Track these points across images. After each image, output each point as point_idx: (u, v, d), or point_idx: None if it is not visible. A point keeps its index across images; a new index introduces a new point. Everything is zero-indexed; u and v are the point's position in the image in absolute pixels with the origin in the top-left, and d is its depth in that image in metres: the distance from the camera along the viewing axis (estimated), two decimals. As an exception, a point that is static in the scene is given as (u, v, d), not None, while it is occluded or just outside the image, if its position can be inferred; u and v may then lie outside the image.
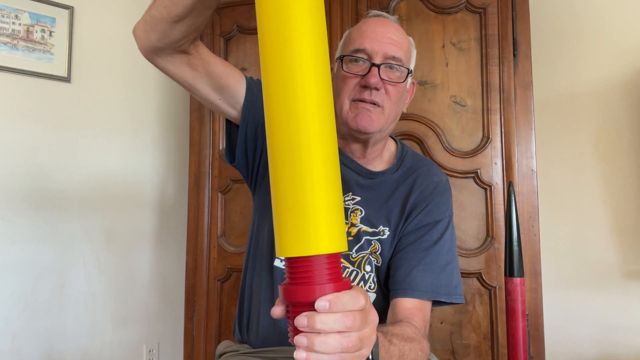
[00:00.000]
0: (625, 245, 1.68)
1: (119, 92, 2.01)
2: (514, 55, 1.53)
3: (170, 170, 2.16)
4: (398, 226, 0.92)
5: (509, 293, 1.36)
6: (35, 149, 1.78)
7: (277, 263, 0.92)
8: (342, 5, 1.68)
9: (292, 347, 0.48)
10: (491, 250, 1.50)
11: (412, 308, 0.84)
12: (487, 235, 1.52)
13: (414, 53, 0.98)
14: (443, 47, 1.59)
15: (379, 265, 0.93)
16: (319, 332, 0.46)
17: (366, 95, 0.88)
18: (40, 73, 1.79)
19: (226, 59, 1.85)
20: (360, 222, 0.93)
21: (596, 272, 1.71)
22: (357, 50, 0.90)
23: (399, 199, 0.93)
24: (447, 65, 1.59)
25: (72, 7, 1.87)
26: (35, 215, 1.77)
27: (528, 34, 1.52)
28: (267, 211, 0.95)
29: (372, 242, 0.93)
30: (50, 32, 1.82)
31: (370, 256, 0.93)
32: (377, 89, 0.88)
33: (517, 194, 1.49)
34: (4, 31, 1.72)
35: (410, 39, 0.99)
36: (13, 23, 1.74)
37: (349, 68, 0.91)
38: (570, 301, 1.74)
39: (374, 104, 0.88)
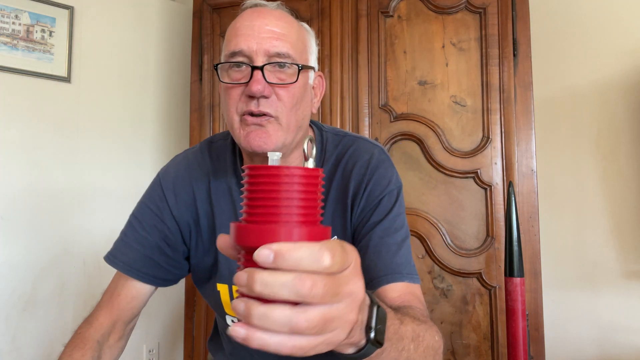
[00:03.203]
0: (625, 245, 1.68)
1: (119, 92, 2.01)
2: (514, 55, 1.53)
3: (170, 170, 2.16)
4: (346, 225, 0.81)
5: (509, 293, 1.37)
6: (35, 149, 1.78)
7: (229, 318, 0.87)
8: (342, 5, 1.68)
9: None
10: (491, 250, 1.50)
11: (398, 296, 0.73)
12: (487, 235, 1.51)
13: (311, 41, 0.83)
14: (443, 47, 1.59)
15: None
16: (263, 298, 0.33)
17: (252, 106, 0.72)
18: (40, 73, 1.79)
19: (226, 59, 1.85)
20: None
21: (596, 272, 1.71)
22: (234, 54, 0.74)
23: (336, 196, 0.81)
24: (447, 65, 1.59)
25: (72, 7, 1.87)
26: (36, 215, 1.77)
27: (528, 34, 1.52)
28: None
29: None
30: (50, 32, 1.82)
31: None
32: (265, 97, 0.72)
33: (517, 194, 1.49)
34: (4, 31, 1.72)
35: (304, 25, 0.83)
36: (13, 23, 1.74)
37: (230, 77, 0.75)
38: (570, 301, 1.74)
39: (265, 115, 0.73)
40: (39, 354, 1.75)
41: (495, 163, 1.52)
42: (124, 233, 0.89)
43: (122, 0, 2.03)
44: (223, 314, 0.88)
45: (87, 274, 1.89)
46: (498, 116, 1.53)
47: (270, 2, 0.80)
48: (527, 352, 1.33)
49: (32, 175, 1.77)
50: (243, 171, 0.38)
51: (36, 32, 1.79)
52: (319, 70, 0.84)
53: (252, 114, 0.73)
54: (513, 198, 1.40)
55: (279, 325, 0.33)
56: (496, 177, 1.52)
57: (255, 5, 0.79)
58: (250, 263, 0.35)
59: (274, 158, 0.39)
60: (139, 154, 2.07)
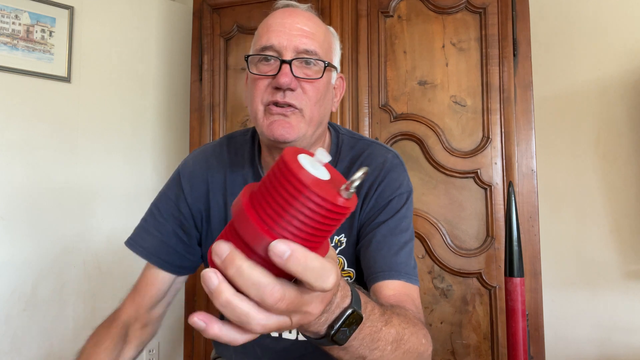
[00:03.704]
0: (625, 245, 1.68)
1: (119, 92, 2.01)
2: (514, 55, 1.53)
3: (170, 170, 2.16)
4: (353, 224, 0.84)
5: (509, 293, 1.37)
6: (35, 149, 1.78)
7: None
8: (342, 5, 1.68)
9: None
10: (491, 250, 1.50)
11: (393, 295, 0.74)
12: (487, 235, 1.51)
13: (336, 44, 0.87)
14: (443, 47, 1.59)
15: (354, 279, 0.85)
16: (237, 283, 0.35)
17: (279, 97, 0.77)
18: (40, 73, 1.79)
19: (226, 58, 1.85)
20: None
21: (596, 272, 1.71)
22: (265, 48, 0.78)
23: None
24: (447, 65, 1.59)
25: (72, 7, 1.87)
26: (35, 215, 1.77)
27: (528, 34, 1.52)
28: None
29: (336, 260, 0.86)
30: (50, 32, 1.82)
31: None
32: (291, 90, 0.77)
33: (517, 194, 1.49)
34: (4, 31, 1.72)
35: (331, 28, 0.88)
36: (13, 23, 1.74)
37: (258, 69, 0.79)
38: (570, 301, 1.74)
39: (290, 106, 0.77)
40: (39, 354, 1.75)
41: (495, 163, 1.52)
42: (144, 220, 0.94)
43: (122, 0, 2.03)
44: None
45: (87, 274, 1.89)
46: (498, 116, 1.53)
47: (301, 4, 0.86)
48: (527, 352, 1.33)
49: (32, 175, 1.77)
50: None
51: (36, 32, 1.79)
52: (340, 72, 0.88)
53: (277, 104, 0.77)
54: (513, 198, 1.40)
55: (236, 317, 0.35)
56: (496, 177, 1.52)
57: (287, 5, 0.84)
58: (241, 246, 0.36)
59: (321, 158, 0.37)
60: (139, 154, 2.07)
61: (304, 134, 0.78)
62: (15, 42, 1.74)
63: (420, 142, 1.58)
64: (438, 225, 1.55)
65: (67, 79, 1.85)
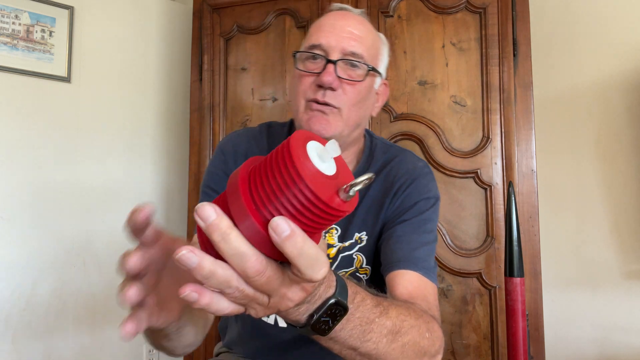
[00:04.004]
0: (625, 245, 1.68)
1: (119, 92, 2.01)
2: (514, 55, 1.53)
3: (170, 170, 2.16)
4: (377, 223, 0.85)
5: (509, 293, 1.36)
6: (35, 148, 1.78)
7: None
8: (342, 5, 1.68)
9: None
10: (491, 250, 1.50)
11: (410, 290, 0.72)
12: (487, 235, 1.51)
13: (384, 50, 0.89)
14: (443, 47, 1.59)
15: (368, 277, 0.86)
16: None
17: (319, 95, 0.79)
18: (40, 73, 1.79)
19: (226, 59, 1.85)
20: (338, 241, 0.85)
21: (596, 272, 1.71)
22: (313, 46, 0.81)
23: (373, 196, 0.85)
24: (447, 65, 1.59)
25: (72, 7, 1.87)
26: (35, 215, 1.77)
27: (528, 34, 1.52)
28: None
29: (354, 256, 0.85)
30: (50, 32, 1.82)
31: (356, 273, 0.85)
32: (332, 89, 0.79)
33: (517, 194, 1.48)
34: (4, 31, 1.72)
35: (381, 35, 0.90)
36: (13, 23, 1.74)
37: (305, 66, 0.82)
38: (570, 301, 1.74)
39: (329, 105, 0.79)
40: (39, 354, 1.75)
41: (495, 163, 1.52)
42: (200, 202, 0.92)
43: (122, 0, 2.03)
44: None
45: (87, 274, 1.89)
46: (498, 116, 1.53)
47: (355, 9, 0.88)
48: (527, 352, 1.33)
49: (32, 175, 1.77)
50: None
51: (36, 32, 1.78)
52: (385, 78, 0.90)
53: (317, 102, 0.79)
54: (513, 198, 1.40)
55: (216, 282, 0.35)
56: (496, 177, 1.52)
57: (342, 8, 0.87)
58: (231, 212, 0.35)
59: (331, 151, 0.36)
60: (139, 154, 2.07)
61: (341, 132, 0.80)
62: (15, 42, 1.74)
63: (420, 142, 1.58)
64: (438, 225, 1.55)
65: (67, 79, 1.85)
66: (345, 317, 0.47)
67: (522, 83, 1.52)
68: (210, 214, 0.34)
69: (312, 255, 0.34)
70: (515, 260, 1.37)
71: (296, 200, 0.33)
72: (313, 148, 0.35)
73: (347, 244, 0.85)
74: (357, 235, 0.85)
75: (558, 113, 1.80)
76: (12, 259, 1.71)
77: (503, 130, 1.52)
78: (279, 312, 0.42)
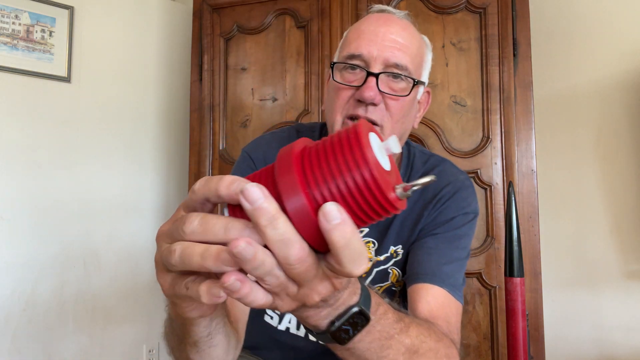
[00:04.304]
0: (625, 245, 1.68)
1: (119, 92, 2.01)
2: (514, 55, 1.53)
3: (170, 170, 2.16)
4: (412, 236, 0.79)
5: (509, 293, 1.36)
6: (35, 148, 1.78)
7: None
8: (342, 5, 1.68)
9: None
10: (491, 250, 1.50)
11: (429, 306, 0.68)
12: (487, 235, 1.51)
13: (429, 57, 0.83)
14: (443, 47, 1.59)
15: (399, 289, 0.81)
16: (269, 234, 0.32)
17: (360, 111, 0.72)
18: (40, 73, 1.79)
19: (226, 59, 1.85)
20: (375, 254, 0.81)
21: (596, 272, 1.71)
22: (352, 56, 0.74)
23: (410, 208, 0.80)
24: (447, 65, 1.59)
25: (72, 7, 1.87)
26: (35, 215, 1.77)
27: (528, 34, 1.52)
28: None
29: (389, 270, 0.80)
30: (50, 32, 1.82)
31: (392, 288, 0.81)
32: (374, 104, 0.72)
33: (517, 194, 1.48)
34: (4, 31, 1.72)
35: (425, 38, 0.83)
36: (13, 23, 1.74)
37: (343, 77, 0.75)
38: (570, 301, 1.74)
39: (371, 122, 0.72)
40: (39, 354, 1.75)
41: (495, 163, 1.52)
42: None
43: (122, 0, 2.03)
44: None
45: (87, 274, 1.89)
46: (498, 116, 1.53)
47: (398, 11, 0.79)
48: (527, 352, 1.33)
49: (31, 175, 1.77)
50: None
51: (36, 32, 1.78)
52: (427, 85, 0.84)
53: (357, 119, 0.71)
54: (513, 198, 1.40)
55: (262, 271, 0.32)
56: (496, 177, 1.52)
57: (382, 10, 0.78)
58: (279, 188, 0.32)
59: (391, 147, 0.34)
60: (139, 154, 2.07)
61: None
62: (15, 42, 1.74)
63: (420, 142, 1.58)
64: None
65: (67, 79, 1.85)
66: (365, 329, 0.45)
67: (522, 83, 1.52)
68: (258, 196, 0.31)
69: (358, 248, 0.32)
70: (515, 260, 1.36)
71: (354, 185, 0.32)
72: (374, 139, 0.34)
73: (382, 257, 0.81)
74: (392, 248, 0.80)
75: (558, 113, 1.80)
76: (12, 259, 1.71)
77: (503, 130, 1.52)
78: (300, 313, 0.41)
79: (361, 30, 0.75)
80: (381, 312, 0.48)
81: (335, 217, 0.31)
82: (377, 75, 0.72)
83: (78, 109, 1.89)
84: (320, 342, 0.45)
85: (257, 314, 0.86)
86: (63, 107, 1.85)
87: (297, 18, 1.75)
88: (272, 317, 0.86)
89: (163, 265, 0.37)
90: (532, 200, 1.49)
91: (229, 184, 0.33)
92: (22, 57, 1.75)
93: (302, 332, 0.83)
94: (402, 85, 0.74)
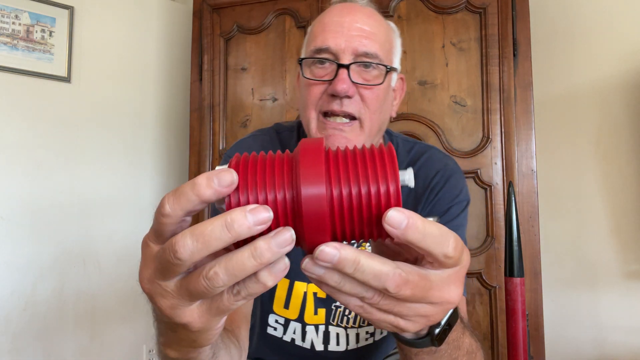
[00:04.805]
0: (625, 245, 1.68)
1: (119, 92, 2.01)
2: (514, 55, 1.53)
3: (170, 169, 2.16)
4: None
5: (509, 293, 1.36)
6: (35, 149, 1.78)
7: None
8: (342, 5, 1.68)
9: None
10: (491, 250, 1.50)
11: None
12: (487, 235, 1.51)
13: (398, 42, 0.79)
14: (443, 47, 1.59)
15: None
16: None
17: (335, 105, 0.69)
18: (40, 73, 1.79)
19: (226, 59, 1.85)
20: None
21: (596, 272, 1.71)
22: (320, 50, 0.71)
23: (404, 200, 0.75)
24: (447, 65, 1.59)
25: (72, 7, 1.87)
26: (35, 215, 1.77)
27: (528, 34, 1.52)
28: None
29: None
30: (50, 32, 1.82)
31: None
32: (348, 97, 0.69)
33: (517, 194, 1.49)
34: (4, 31, 1.72)
35: (392, 24, 0.79)
36: (13, 23, 1.74)
37: (312, 73, 0.72)
38: (570, 301, 1.74)
39: (349, 117, 0.71)
40: (39, 354, 1.75)
41: (495, 163, 1.52)
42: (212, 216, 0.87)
43: (122, 0, 2.03)
44: (268, 311, 0.82)
45: (87, 274, 1.89)
46: (498, 116, 1.53)
47: None
48: (527, 352, 1.33)
49: (32, 175, 1.77)
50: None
51: (36, 32, 1.78)
52: (400, 72, 0.81)
53: (333, 114, 0.70)
54: (513, 198, 1.40)
55: (367, 278, 0.31)
56: (496, 177, 1.52)
57: (345, 0, 0.75)
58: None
59: (409, 176, 0.34)
60: (139, 154, 2.07)
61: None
62: (15, 42, 1.74)
63: (420, 142, 1.59)
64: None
65: (67, 79, 1.85)
66: (455, 326, 0.44)
67: (522, 83, 1.52)
68: (333, 253, 0.30)
69: (435, 232, 0.31)
70: (515, 260, 1.36)
71: (376, 194, 0.31)
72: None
73: None
74: None
75: (558, 113, 1.80)
76: (12, 259, 1.71)
77: (503, 130, 1.52)
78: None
79: (325, 23, 0.73)
80: (457, 307, 0.46)
81: (401, 221, 0.30)
82: (347, 67, 0.70)
83: (78, 109, 1.89)
84: (412, 347, 0.44)
85: (260, 327, 0.85)
86: (63, 107, 1.85)
87: (297, 18, 1.75)
88: (275, 329, 0.84)
89: (187, 300, 0.33)
90: (532, 200, 1.49)
91: (208, 183, 0.30)
92: (22, 57, 1.75)
93: (307, 344, 0.82)
94: (374, 73, 0.72)
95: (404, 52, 1.62)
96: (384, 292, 0.32)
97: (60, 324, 1.80)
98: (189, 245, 0.30)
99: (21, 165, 1.75)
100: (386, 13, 1.64)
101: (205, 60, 1.86)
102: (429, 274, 0.33)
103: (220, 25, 1.85)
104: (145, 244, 0.34)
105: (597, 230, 1.72)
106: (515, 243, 1.37)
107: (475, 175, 1.53)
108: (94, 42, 1.94)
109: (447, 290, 0.34)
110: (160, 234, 0.33)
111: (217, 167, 0.32)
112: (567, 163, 1.78)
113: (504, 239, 1.45)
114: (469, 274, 1.51)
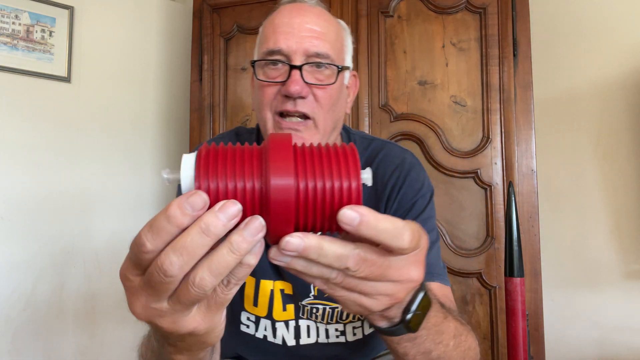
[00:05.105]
0: (625, 245, 1.68)
1: (119, 92, 2.01)
2: (514, 55, 1.53)
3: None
4: None
5: (509, 293, 1.37)
6: (35, 149, 1.78)
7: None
8: (342, 5, 1.68)
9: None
10: (491, 250, 1.50)
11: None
12: (487, 235, 1.51)
13: (348, 40, 0.81)
14: (443, 47, 1.59)
15: None
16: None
17: (289, 106, 0.71)
18: (40, 73, 1.79)
19: (226, 58, 1.85)
20: None
21: (596, 272, 1.71)
22: (272, 52, 0.72)
23: (365, 199, 0.77)
24: (447, 65, 1.59)
25: (72, 7, 1.87)
26: (35, 215, 1.77)
27: (528, 34, 1.52)
28: None
29: None
30: (50, 32, 1.82)
31: None
32: (302, 97, 0.71)
33: (517, 194, 1.48)
34: (4, 31, 1.72)
35: (342, 22, 0.81)
36: (13, 23, 1.74)
37: (265, 74, 0.73)
38: (570, 301, 1.74)
39: (303, 116, 0.72)
40: (39, 354, 1.75)
41: (495, 163, 1.52)
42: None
43: (122, 0, 2.03)
44: (239, 309, 0.83)
45: (87, 274, 1.89)
46: (498, 116, 1.53)
47: None
48: (527, 352, 1.33)
49: (32, 175, 1.77)
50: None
51: (36, 32, 1.78)
52: (353, 69, 0.82)
53: (288, 114, 0.72)
54: (513, 198, 1.40)
55: (328, 259, 0.34)
56: (496, 177, 1.52)
57: (294, 0, 0.76)
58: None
59: (367, 176, 0.36)
60: (139, 154, 2.07)
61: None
62: (15, 42, 1.74)
63: (420, 142, 1.58)
64: (438, 226, 1.55)
65: (67, 79, 1.85)
66: (430, 312, 0.46)
67: (522, 83, 1.52)
68: (298, 243, 0.33)
69: (389, 227, 0.34)
70: (515, 260, 1.37)
71: (339, 189, 0.34)
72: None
73: None
74: None
75: (558, 113, 1.80)
76: (12, 259, 1.71)
77: (503, 130, 1.52)
78: (386, 310, 0.41)
79: (276, 24, 0.74)
80: (432, 295, 0.48)
81: (354, 218, 0.33)
82: (300, 68, 0.71)
83: (78, 109, 1.89)
84: (390, 336, 0.46)
85: (233, 325, 0.85)
86: (63, 107, 1.85)
87: (297, 18, 1.75)
88: (248, 326, 0.84)
89: (184, 310, 0.35)
90: (532, 200, 1.49)
91: (183, 212, 0.32)
92: (22, 57, 1.75)
93: (279, 340, 0.82)
94: (327, 73, 0.73)
95: (404, 52, 1.62)
96: (345, 272, 0.35)
97: (60, 324, 1.81)
98: (175, 261, 0.31)
99: (21, 165, 1.75)
100: (386, 13, 1.64)
101: (205, 60, 1.86)
102: (387, 255, 0.36)
103: (220, 25, 1.85)
104: (125, 278, 0.35)
105: (597, 230, 1.72)
106: (515, 243, 1.37)
107: (475, 175, 1.53)
108: (94, 42, 1.94)
109: (406, 270, 0.37)
110: (141, 266, 0.34)
111: (183, 158, 0.35)
112: (567, 163, 1.78)
113: (504, 239, 1.45)
114: (469, 274, 1.51)
